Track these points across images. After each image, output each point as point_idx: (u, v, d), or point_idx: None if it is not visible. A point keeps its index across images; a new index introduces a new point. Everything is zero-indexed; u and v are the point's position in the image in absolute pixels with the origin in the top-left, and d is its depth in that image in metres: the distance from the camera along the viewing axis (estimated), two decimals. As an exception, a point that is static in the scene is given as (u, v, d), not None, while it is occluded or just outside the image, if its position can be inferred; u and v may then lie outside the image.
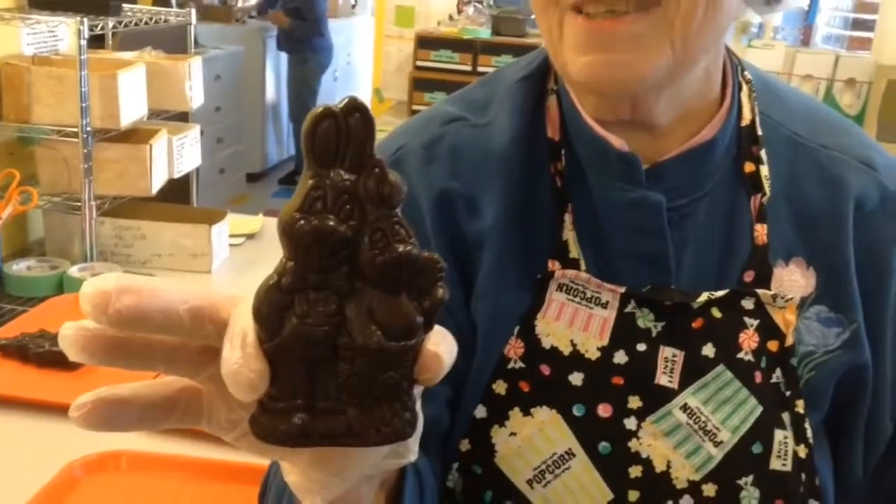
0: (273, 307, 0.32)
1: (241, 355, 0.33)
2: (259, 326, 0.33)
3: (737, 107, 0.69)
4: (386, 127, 3.10)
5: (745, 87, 0.70)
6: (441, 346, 0.35)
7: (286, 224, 0.32)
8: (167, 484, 1.08)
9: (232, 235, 1.90)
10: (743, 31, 4.20)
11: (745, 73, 0.71)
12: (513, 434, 0.64)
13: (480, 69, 3.20)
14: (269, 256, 1.89)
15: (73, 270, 1.64)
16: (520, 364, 0.65)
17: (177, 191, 2.03)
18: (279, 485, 0.60)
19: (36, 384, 1.27)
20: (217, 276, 1.78)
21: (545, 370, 0.65)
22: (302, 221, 0.32)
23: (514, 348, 0.65)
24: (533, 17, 2.62)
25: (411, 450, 0.41)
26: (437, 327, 0.35)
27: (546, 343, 0.65)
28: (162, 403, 0.39)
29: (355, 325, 0.32)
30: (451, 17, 3.47)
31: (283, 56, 6.25)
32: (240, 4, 6.25)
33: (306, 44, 5.84)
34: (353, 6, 8.17)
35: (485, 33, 3.25)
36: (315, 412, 0.33)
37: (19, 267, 1.66)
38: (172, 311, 0.35)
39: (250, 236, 1.99)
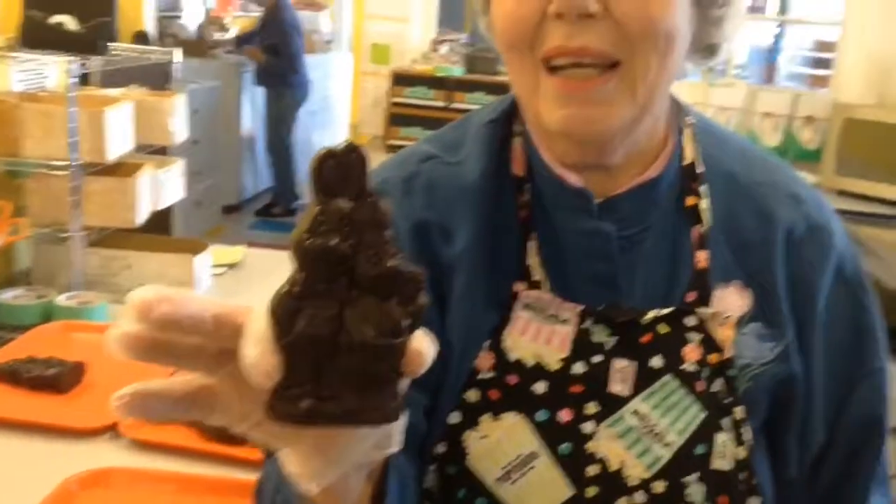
0: (286, 311, 0.39)
1: (259, 351, 0.40)
2: (274, 326, 0.40)
3: (679, 148, 0.77)
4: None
5: (687, 131, 0.78)
6: (423, 344, 0.42)
7: (297, 242, 0.40)
8: (159, 498, 1.14)
9: (214, 265, 1.96)
10: (709, 72, 4.35)
11: (688, 118, 0.79)
12: (483, 437, 0.71)
13: (454, 105, 3.29)
14: (251, 285, 1.96)
15: (62, 299, 1.69)
16: (489, 374, 0.72)
17: (156, 222, 2.09)
18: (273, 487, 0.66)
19: (28, 406, 1.32)
20: (200, 304, 1.84)
21: (512, 380, 0.72)
22: (310, 241, 0.39)
23: (485, 360, 0.72)
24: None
25: (395, 440, 0.48)
26: (419, 329, 0.42)
27: (513, 356, 0.72)
28: (184, 397, 0.46)
29: (353, 325, 0.39)
30: (425, 56, 3.57)
31: (260, 90, 6.33)
32: (215, 38, 6.34)
33: (282, 79, 5.93)
34: (329, 42, 8.30)
35: (458, 71, 3.35)
36: (320, 398, 0.40)
37: (7, 296, 1.71)
38: (199, 316, 0.42)
39: (231, 266, 2.06)
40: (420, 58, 3.58)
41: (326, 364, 0.40)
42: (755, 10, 7.55)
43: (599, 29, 0.65)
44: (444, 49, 3.42)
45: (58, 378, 1.37)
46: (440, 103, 3.29)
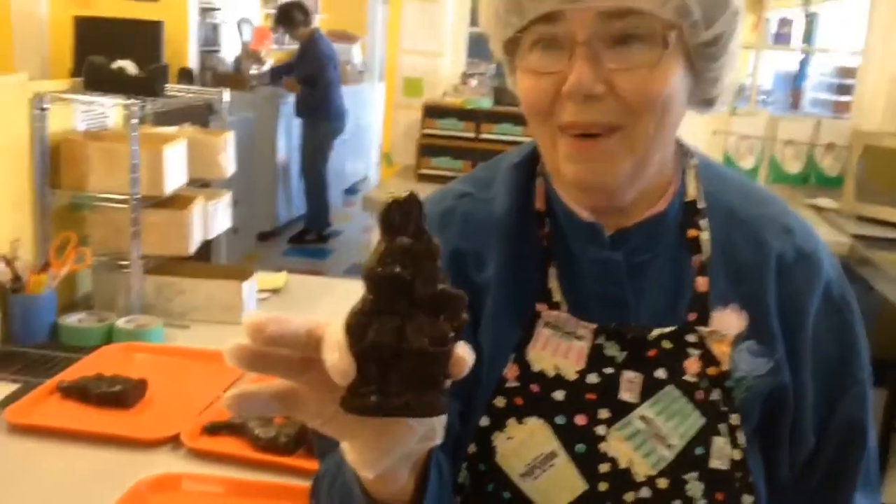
0: (358, 324, 0.51)
1: (337, 356, 0.52)
2: (348, 337, 0.52)
3: (682, 186, 0.88)
4: (395, 189, 3.30)
5: (690, 171, 0.89)
6: (465, 352, 0.54)
7: (368, 271, 0.52)
8: (218, 501, 1.26)
9: (259, 290, 2.09)
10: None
11: (692, 159, 0.90)
12: (510, 438, 0.83)
13: (483, 136, 3.40)
14: (293, 309, 2.09)
15: (121, 322, 1.83)
16: (515, 384, 0.84)
17: (199, 248, 2.21)
18: (330, 479, 0.78)
19: (97, 420, 1.46)
20: (247, 327, 1.97)
21: (535, 388, 0.83)
22: (379, 269, 0.51)
23: (511, 371, 0.84)
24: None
25: (438, 434, 0.60)
26: (461, 341, 0.55)
27: (535, 367, 0.84)
28: (274, 396, 0.58)
29: (412, 336, 0.51)
30: (455, 89, 3.70)
31: (295, 121, 6.52)
32: (253, 72, 6.55)
33: (319, 110, 6.10)
34: (361, 73, 8.49)
35: (486, 103, 3.47)
36: (385, 394, 0.52)
37: (72, 319, 1.85)
38: (297, 332, 0.54)
39: (275, 291, 2.19)
40: (451, 90, 3.71)
41: (390, 367, 0.51)
42: (780, 38, 7.63)
43: (604, 106, 0.76)
44: (473, 82, 3.55)
45: (123, 394, 1.50)
46: (470, 134, 3.40)
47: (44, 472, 1.32)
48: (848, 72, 6.19)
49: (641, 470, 0.81)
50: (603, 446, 0.82)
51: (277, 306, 2.11)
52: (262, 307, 2.08)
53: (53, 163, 1.92)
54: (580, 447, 0.82)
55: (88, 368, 1.61)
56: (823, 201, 3.62)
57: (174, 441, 1.40)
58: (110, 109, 2.10)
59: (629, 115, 0.77)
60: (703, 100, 0.85)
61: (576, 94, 0.75)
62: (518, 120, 3.34)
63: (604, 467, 0.82)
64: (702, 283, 0.85)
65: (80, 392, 1.52)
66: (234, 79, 6.18)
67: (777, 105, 7.52)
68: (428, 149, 3.42)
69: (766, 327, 0.84)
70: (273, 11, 7.94)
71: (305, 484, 1.27)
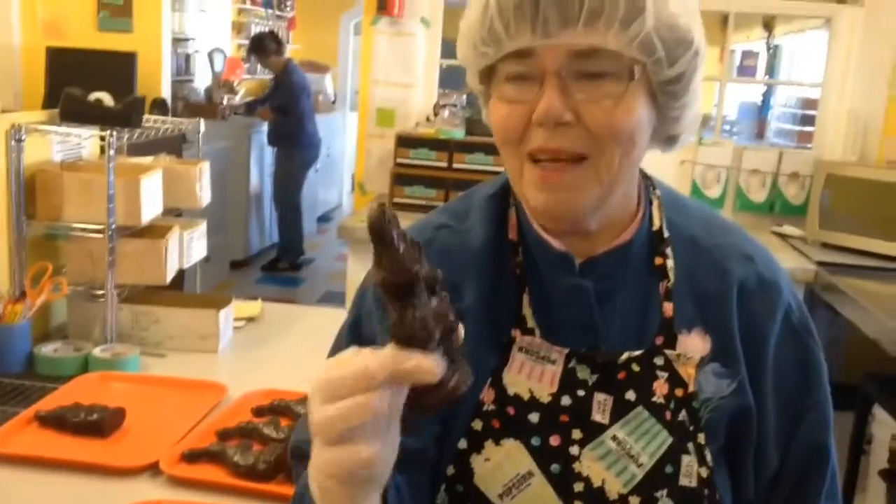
0: (416, 324, 0.63)
1: (417, 359, 0.63)
2: (414, 341, 0.63)
3: (648, 216, 0.92)
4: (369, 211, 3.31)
5: (655, 201, 0.93)
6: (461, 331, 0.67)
7: (400, 276, 0.63)
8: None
9: (235, 319, 2.10)
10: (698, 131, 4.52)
11: (656, 189, 0.94)
12: (487, 459, 0.86)
13: (455, 166, 3.45)
14: (269, 337, 2.10)
15: (97, 351, 1.84)
16: (492, 407, 0.87)
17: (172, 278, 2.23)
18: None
19: (75, 448, 1.46)
20: (223, 355, 1.98)
21: (510, 411, 0.86)
22: (411, 270, 0.63)
23: (488, 395, 0.87)
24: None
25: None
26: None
27: (511, 391, 0.87)
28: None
29: (439, 318, 0.64)
30: (428, 119, 3.75)
31: (267, 150, 6.54)
32: (225, 102, 6.57)
33: (292, 139, 6.14)
34: (333, 102, 8.55)
35: (459, 134, 3.51)
36: (454, 372, 0.65)
37: (48, 349, 1.85)
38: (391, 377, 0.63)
39: (250, 319, 2.21)
40: (423, 120, 3.76)
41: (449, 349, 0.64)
42: (745, 70, 7.80)
43: (571, 134, 0.80)
44: (445, 113, 3.60)
45: (101, 422, 1.51)
46: (442, 164, 3.45)
47: (22, 501, 1.33)
48: (810, 103, 6.35)
49: (614, 488, 0.84)
50: (577, 466, 0.85)
51: (253, 335, 2.12)
52: (238, 335, 2.09)
53: (29, 193, 1.93)
54: (555, 467, 0.85)
55: (66, 398, 1.61)
56: (788, 229, 3.70)
57: (153, 468, 1.41)
58: (86, 140, 2.12)
59: (595, 144, 0.80)
60: (667, 137, 0.89)
61: (545, 121, 0.79)
62: (490, 150, 3.39)
63: (578, 486, 0.85)
64: (668, 308, 0.89)
65: (58, 421, 1.53)
66: (207, 108, 6.21)
67: (742, 135, 7.67)
68: (401, 178, 3.46)
69: (730, 350, 0.88)
70: (245, 42, 8.00)
71: (285, 509, 1.29)
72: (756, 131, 7.70)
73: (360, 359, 0.63)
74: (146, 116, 2.25)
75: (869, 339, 2.69)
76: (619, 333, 0.88)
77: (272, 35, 6.23)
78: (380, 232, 0.59)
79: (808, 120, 6.05)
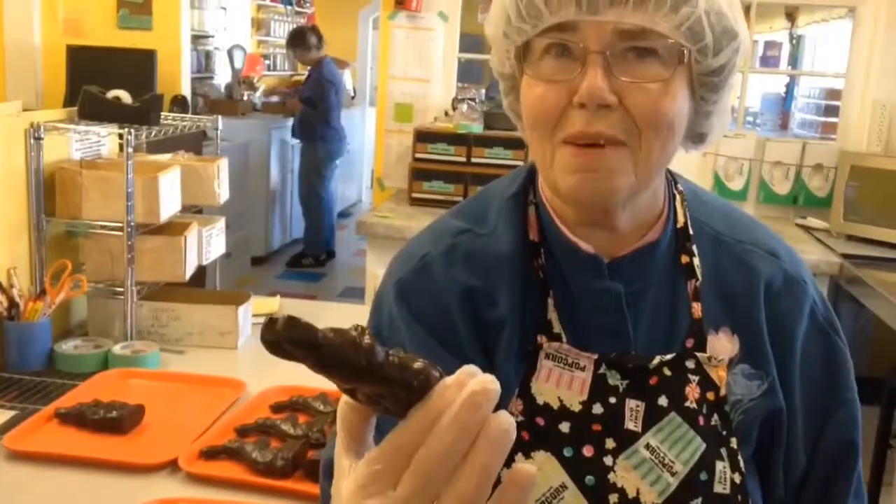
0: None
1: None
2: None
3: (673, 212, 0.89)
4: (388, 213, 3.30)
5: (678, 196, 0.90)
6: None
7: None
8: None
9: (253, 315, 2.10)
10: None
11: (679, 185, 0.91)
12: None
13: (474, 160, 3.43)
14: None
15: (117, 348, 1.84)
16: (520, 418, 0.82)
17: (193, 273, 2.23)
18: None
19: (95, 445, 1.46)
20: (242, 352, 1.98)
21: (540, 421, 0.82)
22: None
23: (516, 406, 0.83)
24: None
25: None
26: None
27: (540, 400, 0.83)
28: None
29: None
30: (446, 113, 3.73)
31: (289, 145, 6.55)
32: (245, 99, 6.59)
33: (317, 132, 6.13)
34: (353, 97, 8.55)
35: (477, 128, 3.50)
36: None
37: (68, 346, 1.86)
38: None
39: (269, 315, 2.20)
40: (441, 115, 3.75)
41: None
42: (768, 60, 7.71)
43: (613, 118, 0.75)
44: (463, 108, 3.58)
45: (120, 419, 1.51)
46: (461, 158, 3.43)
47: (42, 498, 1.33)
48: (834, 94, 6.27)
49: (649, 499, 0.81)
50: (611, 476, 0.82)
51: (272, 331, 2.12)
52: (257, 332, 2.09)
53: (49, 191, 1.93)
54: (589, 479, 0.81)
55: (85, 395, 1.62)
56: (813, 221, 3.65)
57: (172, 466, 1.41)
58: (105, 138, 2.12)
59: (635, 131, 0.76)
60: (697, 134, 0.85)
61: (589, 102, 0.74)
62: (509, 144, 3.38)
63: (613, 498, 0.81)
64: (697, 308, 0.86)
65: (78, 418, 1.53)
66: (227, 105, 6.23)
67: (766, 126, 7.58)
68: (420, 173, 3.45)
69: (759, 350, 0.86)
70: (265, 38, 8.02)
71: (303, 507, 1.29)
72: (780, 122, 7.62)
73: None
74: (165, 114, 2.25)
75: (893, 332, 2.65)
76: (647, 337, 0.85)
77: (314, 29, 6.19)
78: (293, 342, 0.44)
79: (833, 111, 5.97)
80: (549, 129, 0.78)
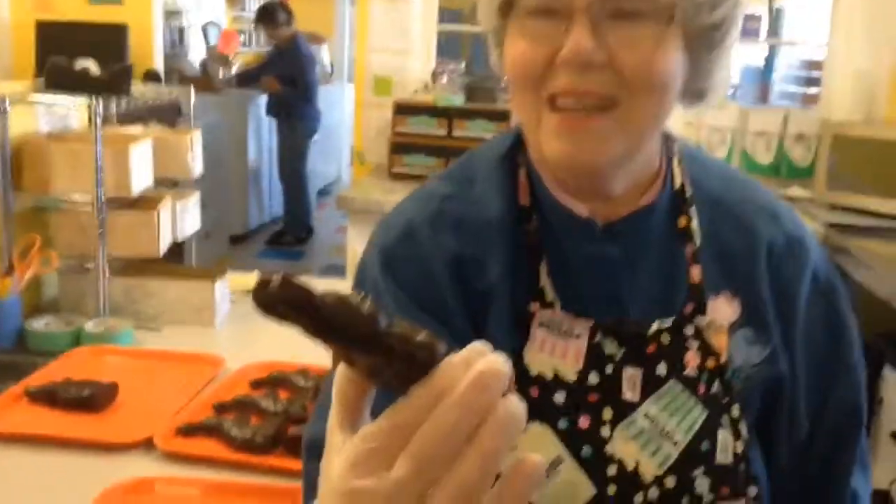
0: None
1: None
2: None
3: (670, 174, 0.85)
4: (369, 188, 3.24)
5: (675, 157, 0.86)
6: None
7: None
8: (197, 502, 1.23)
9: (231, 292, 2.05)
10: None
11: (675, 145, 0.88)
12: (512, 448, 0.79)
13: (455, 133, 3.38)
14: (267, 309, 2.05)
15: (89, 325, 1.79)
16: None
17: (171, 252, 2.18)
18: None
19: (66, 424, 1.41)
20: (220, 329, 1.93)
21: (534, 392, 0.79)
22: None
23: None
24: (503, 84, 2.80)
25: None
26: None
27: (533, 371, 0.80)
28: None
29: None
30: (426, 86, 3.67)
31: (265, 123, 6.46)
32: (220, 76, 6.48)
33: (295, 110, 6.05)
34: (331, 73, 8.45)
35: (459, 100, 3.44)
36: None
37: (39, 324, 1.81)
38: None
39: (248, 292, 2.15)
40: (421, 88, 3.69)
41: None
42: (748, 33, 7.69)
43: (602, 76, 0.72)
44: (444, 80, 3.53)
45: (93, 398, 1.46)
46: (442, 132, 3.38)
47: (12, 479, 1.28)
48: (814, 64, 6.26)
49: (649, 470, 0.79)
50: (609, 448, 0.79)
51: (250, 307, 2.06)
52: (235, 308, 2.04)
53: (16, 165, 1.87)
54: (586, 451, 0.79)
55: (57, 373, 1.57)
56: (795, 191, 3.64)
57: (147, 444, 1.36)
58: (73, 110, 2.05)
59: (626, 91, 0.73)
60: (696, 90, 0.81)
61: (573, 62, 0.72)
62: (492, 116, 3.32)
63: (611, 470, 0.79)
64: (696, 272, 0.83)
65: (49, 397, 1.48)
66: (202, 82, 6.12)
67: (745, 99, 7.56)
68: (400, 147, 3.39)
69: (760, 315, 0.83)
70: (240, 14, 7.89)
71: (284, 483, 1.25)
72: (759, 95, 7.60)
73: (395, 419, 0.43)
74: (137, 87, 2.19)
75: (880, 300, 2.64)
76: (644, 303, 0.82)
77: (283, 5, 6.09)
78: (287, 302, 0.40)
79: (813, 82, 5.97)
80: (533, 86, 0.75)
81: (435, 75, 3.62)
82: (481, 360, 0.42)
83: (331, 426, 0.46)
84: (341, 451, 0.44)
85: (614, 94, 0.73)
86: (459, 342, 0.80)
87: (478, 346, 0.43)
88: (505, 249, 0.82)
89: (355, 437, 0.43)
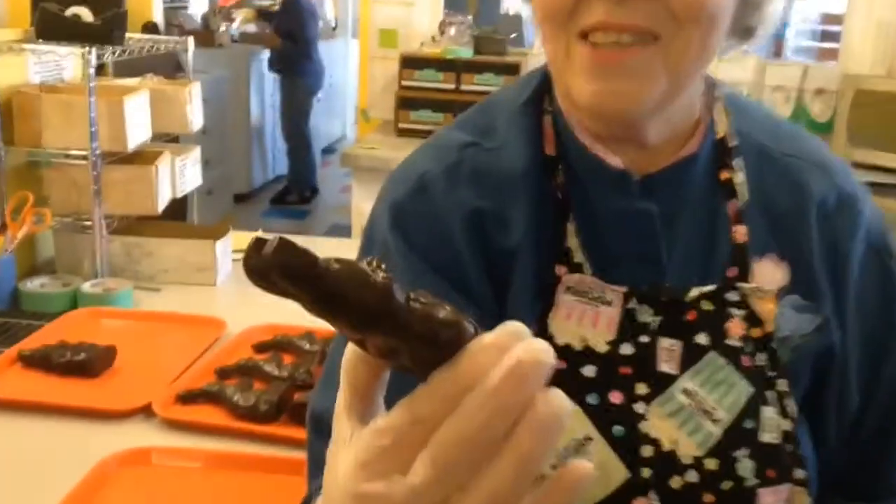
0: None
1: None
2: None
3: (711, 123, 0.77)
4: (374, 145, 3.16)
5: (717, 105, 0.78)
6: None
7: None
8: (195, 475, 1.16)
9: (234, 251, 1.98)
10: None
11: (719, 90, 0.78)
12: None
13: (463, 87, 3.28)
14: (270, 269, 1.98)
15: (86, 286, 1.72)
16: None
17: (172, 212, 2.10)
18: None
19: (62, 390, 1.35)
20: (222, 289, 1.86)
21: (561, 365, 0.70)
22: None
23: None
24: (513, 36, 2.72)
25: None
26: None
27: (560, 340, 0.71)
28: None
29: None
30: (433, 38, 3.56)
31: (268, 79, 6.34)
32: (222, 29, 6.34)
33: (296, 66, 5.94)
34: (334, 28, 8.30)
35: (466, 53, 3.33)
36: None
37: (34, 284, 1.74)
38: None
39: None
40: (428, 41, 3.58)
41: None
42: (761, -16, 7.49)
43: (644, 6, 0.64)
44: (451, 31, 3.41)
45: (89, 362, 1.40)
46: (450, 85, 3.28)
47: (2, 447, 1.22)
48: (832, 18, 6.09)
49: (687, 451, 0.70)
50: (643, 426, 0.70)
51: (254, 266, 2.00)
52: (238, 268, 1.97)
53: (6, 118, 1.78)
54: (618, 429, 0.70)
55: (51, 336, 1.50)
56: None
57: (146, 411, 1.30)
58: (66, 60, 1.96)
59: (671, 23, 0.64)
60: (743, 28, 0.73)
61: None
62: (501, 69, 3.22)
63: (646, 451, 0.70)
64: (740, 232, 0.74)
65: (43, 361, 1.42)
66: (203, 36, 5.99)
67: (760, 53, 7.40)
68: (407, 102, 3.29)
69: (811, 279, 0.74)
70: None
71: (288, 454, 1.18)
72: (773, 50, 7.45)
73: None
74: (135, 35, 2.09)
75: (903, 261, 2.56)
76: (683, 266, 0.74)
77: None
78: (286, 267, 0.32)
79: (830, 36, 5.81)
80: (563, 20, 0.66)
81: (442, 27, 3.51)
82: (518, 344, 0.34)
83: (338, 411, 0.39)
84: (349, 444, 0.37)
85: (657, 27, 0.65)
86: (479, 309, 0.72)
87: (513, 325, 0.35)
88: (529, 204, 0.74)
89: (365, 431, 0.36)
